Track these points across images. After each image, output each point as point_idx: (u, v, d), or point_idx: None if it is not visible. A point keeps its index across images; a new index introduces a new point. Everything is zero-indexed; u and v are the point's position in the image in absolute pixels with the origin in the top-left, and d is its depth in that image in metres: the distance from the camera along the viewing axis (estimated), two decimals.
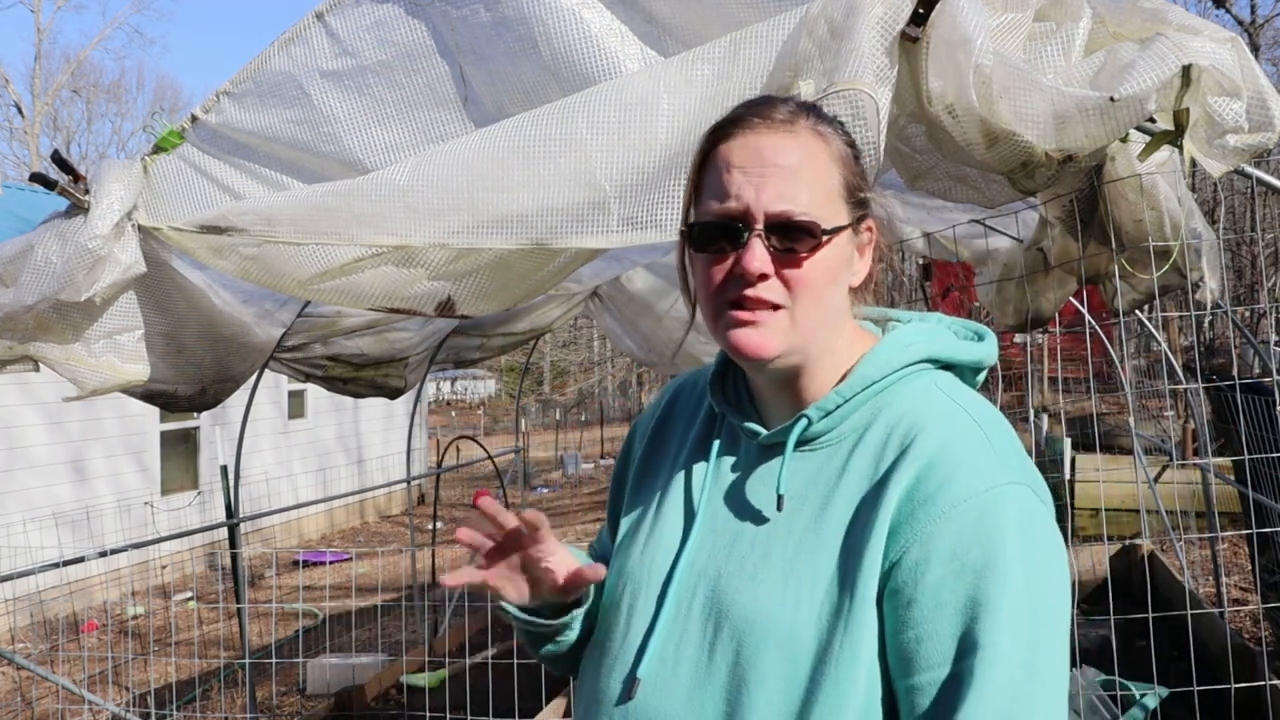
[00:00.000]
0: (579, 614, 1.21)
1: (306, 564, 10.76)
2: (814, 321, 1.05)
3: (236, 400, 4.14)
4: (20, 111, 30.87)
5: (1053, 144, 1.49)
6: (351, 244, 1.93)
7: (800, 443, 1.09)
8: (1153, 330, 5.99)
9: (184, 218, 2.11)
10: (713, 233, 1.06)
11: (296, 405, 12.71)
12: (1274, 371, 4.49)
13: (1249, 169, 1.87)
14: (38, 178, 2.11)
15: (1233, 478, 5.05)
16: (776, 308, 1.04)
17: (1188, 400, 6.95)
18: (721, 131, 1.08)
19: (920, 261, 5.12)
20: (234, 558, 5.36)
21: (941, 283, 4.92)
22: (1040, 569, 0.96)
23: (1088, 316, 5.39)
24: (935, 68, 1.54)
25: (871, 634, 0.98)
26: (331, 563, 10.76)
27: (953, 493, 0.97)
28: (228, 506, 5.27)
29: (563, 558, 1.16)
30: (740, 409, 1.17)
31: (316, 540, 12.52)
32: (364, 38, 2.02)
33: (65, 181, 2.07)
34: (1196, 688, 3.01)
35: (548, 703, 4.67)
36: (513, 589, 1.17)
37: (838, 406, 1.07)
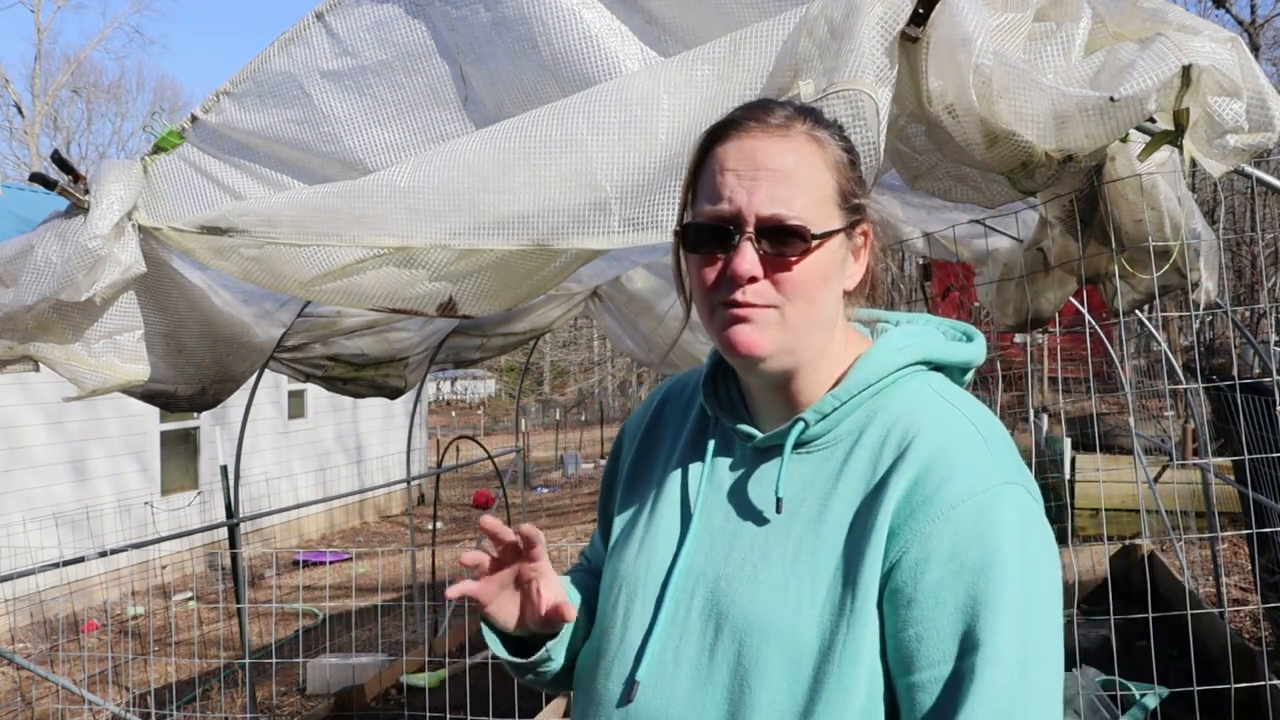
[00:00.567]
0: (556, 647, 1.23)
1: (306, 564, 10.76)
2: (805, 323, 1.06)
3: (236, 400, 4.15)
4: (20, 111, 30.88)
5: (1053, 144, 1.49)
6: (353, 245, 1.93)
7: (797, 445, 1.10)
8: (1153, 330, 6.00)
9: (184, 218, 2.11)
10: (705, 234, 1.07)
11: (296, 405, 12.72)
12: (1274, 371, 4.49)
13: (1249, 169, 1.88)
14: (38, 178, 2.11)
15: (1233, 478, 5.05)
16: (768, 309, 1.05)
17: (1188, 400, 6.95)
18: (717, 135, 1.09)
19: (920, 261, 5.12)
20: (234, 558, 5.36)
21: (941, 283, 4.93)
22: (1035, 567, 0.98)
23: (1088, 316, 5.39)
24: (935, 68, 1.54)
25: (873, 633, 0.99)
26: (331, 563, 10.77)
27: (951, 494, 0.99)
28: (228, 506, 5.28)
29: (551, 582, 1.18)
30: (734, 412, 1.18)
31: (316, 540, 12.52)
32: (364, 38, 2.02)
33: (65, 181, 2.07)
34: (1196, 688, 3.01)
35: (548, 703, 4.67)
36: (502, 607, 1.19)
37: (834, 409, 1.09)
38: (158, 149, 2.19)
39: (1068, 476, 8.08)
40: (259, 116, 2.12)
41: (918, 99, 1.59)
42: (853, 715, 0.98)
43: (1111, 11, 1.57)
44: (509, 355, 13.35)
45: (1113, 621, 3.69)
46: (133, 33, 56.86)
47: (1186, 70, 1.44)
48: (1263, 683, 3.69)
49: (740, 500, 1.12)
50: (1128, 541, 6.17)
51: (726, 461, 1.17)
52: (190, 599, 9.23)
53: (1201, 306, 3.20)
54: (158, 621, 8.38)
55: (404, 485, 9.57)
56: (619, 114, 1.70)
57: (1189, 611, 3.45)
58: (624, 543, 1.20)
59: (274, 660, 6.37)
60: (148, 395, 2.89)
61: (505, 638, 1.26)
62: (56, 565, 4.31)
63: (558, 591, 1.18)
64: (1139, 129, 1.56)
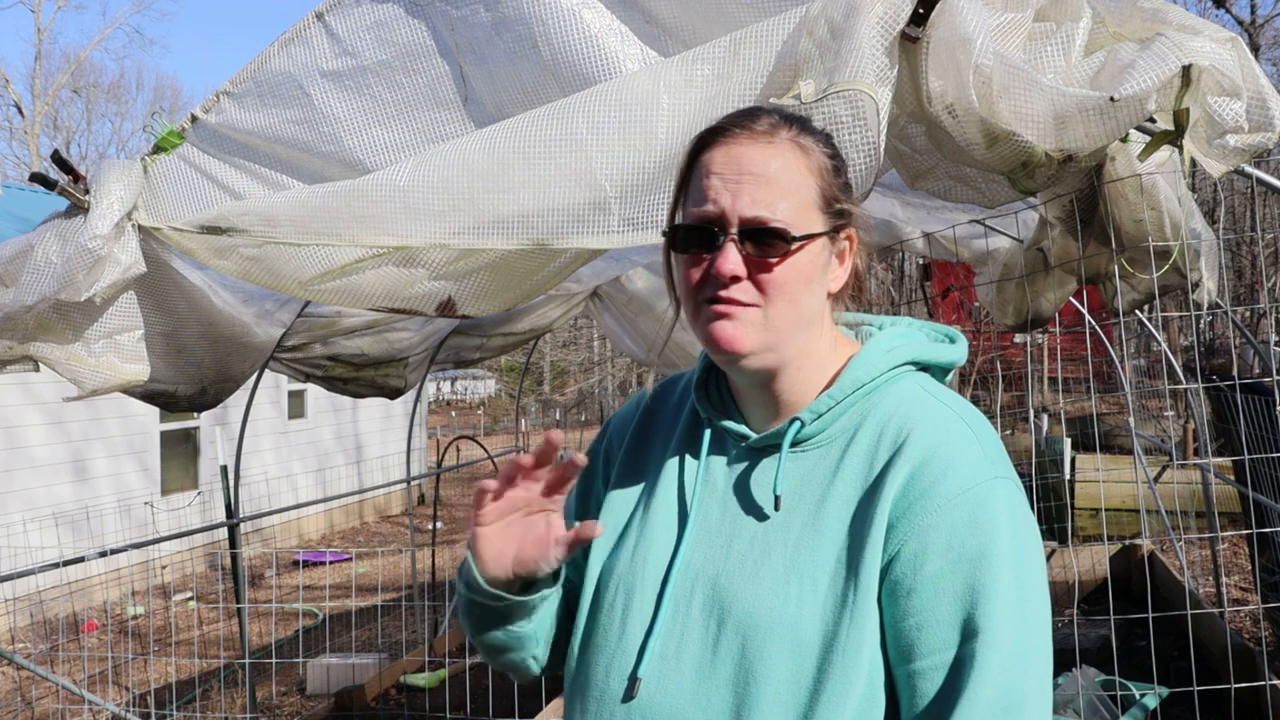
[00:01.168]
0: (546, 598, 1.18)
1: (306, 564, 10.76)
2: (786, 322, 1.10)
3: (236, 400, 4.15)
4: (20, 111, 30.88)
5: (1053, 144, 1.49)
6: (352, 245, 1.93)
7: (792, 444, 1.13)
8: (1153, 330, 6.00)
9: (184, 218, 2.11)
10: (691, 236, 1.11)
11: (296, 405, 12.71)
12: (1274, 371, 4.48)
13: (1249, 169, 1.88)
14: (38, 178, 2.11)
15: (1233, 478, 5.05)
16: (750, 307, 1.08)
17: (1188, 400, 6.95)
18: (706, 141, 1.13)
19: (920, 261, 5.12)
20: (234, 558, 5.36)
21: (941, 283, 4.93)
22: (1026, 555, 1.03)
23: (1088, 316, 5.39)
24: (935, 68, 1.54)
25: (874, 624, 1.03)
26: (331, 563, 10.76)
27: (946, 488, 1.03)
28: (228, 506, 5.28)
29: (558, 520, 1.14)
30: (726, 412, 1.20)
31: (316, 540, 12.51)
32: (364, 38, 2.02)
33: (65, 181, 2.07)
34: (1196, 688, 3.01)
35: (548, 703, 4.67)
36: (491, 543, 1.13)
37: (830, 409, 1.12)
38: (158, 149, 2.19)
39: (1068, 476, 8.08)
40: (259, 116, 2.12)
41: (918, 99, 1.60)
42: (854, 704, 1.01)
43: (1111, 11, 1.57)
44: (509, 355, 13.35)
45: (1113, 621, 3.69)
46: (133, 33, 56.76)
47: (1186, 70, 1.44)
48: (1263, 683, 3.69)
49: (737, 498, 1.15)
50: (1128, 541, 6.18)
51: (721, 461, 1.19)
52: (190, 599, 9.23)
53: (1204, 306, 3.21)
54: (158, 621, 8.38)
55: (404, 485, 9.57)
56: (619, 114, 1.70)
57: (1189, 611, 3.45)
58: (617, 541, 1.20)
59: (274, 660, 6.37)
60: (148, 395, 2.89)
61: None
62: (57, 565, 4.31)
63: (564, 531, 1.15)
64: (1139, 129, 1.56)
